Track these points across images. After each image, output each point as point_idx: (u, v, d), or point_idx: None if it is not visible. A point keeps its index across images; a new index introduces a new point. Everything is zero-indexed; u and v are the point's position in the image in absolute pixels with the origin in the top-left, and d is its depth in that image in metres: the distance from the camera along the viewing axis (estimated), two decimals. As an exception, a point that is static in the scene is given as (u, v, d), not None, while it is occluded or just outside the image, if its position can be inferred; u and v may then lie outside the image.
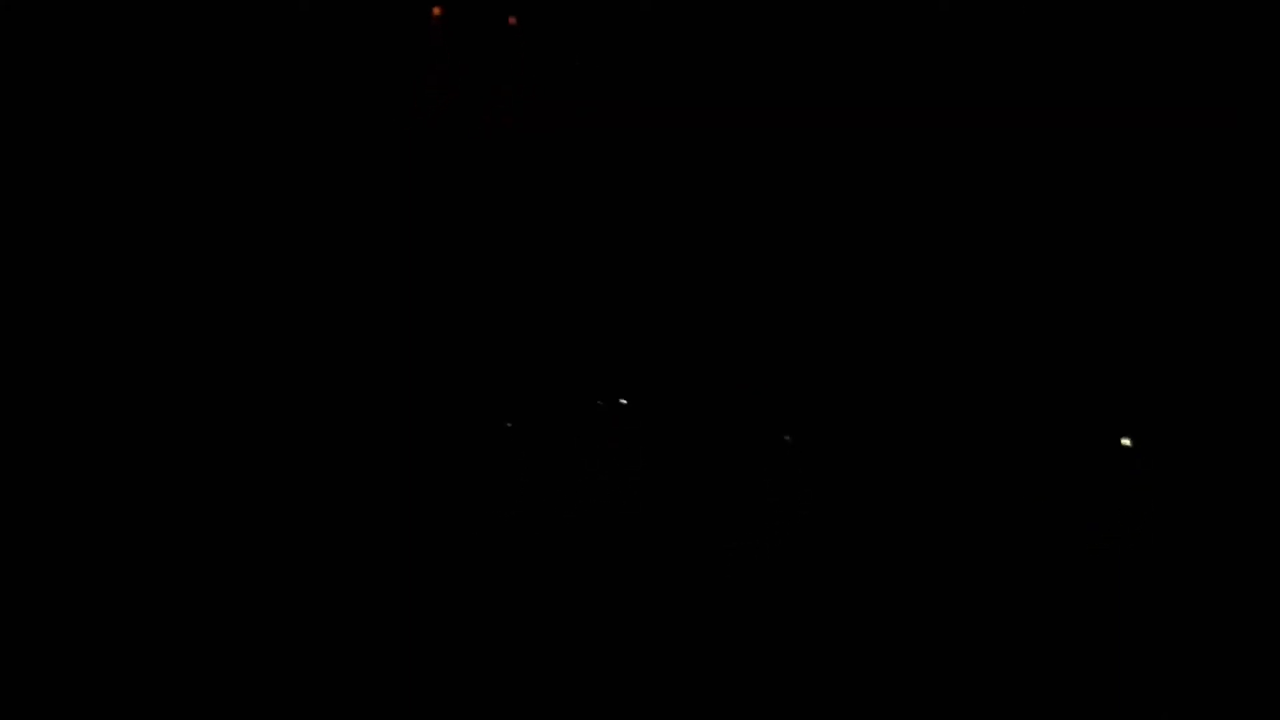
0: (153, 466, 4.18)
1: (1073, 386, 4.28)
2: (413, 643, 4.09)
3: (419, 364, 4.36)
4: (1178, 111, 4.28)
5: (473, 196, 4.45)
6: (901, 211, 4.40)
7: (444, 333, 4.39)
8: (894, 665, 4.08)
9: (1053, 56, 4.35)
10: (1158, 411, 4.23)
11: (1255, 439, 4.16)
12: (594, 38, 4.45)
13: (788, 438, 4.33)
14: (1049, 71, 4.34)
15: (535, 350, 4.40)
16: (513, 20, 4.23)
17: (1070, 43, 4.34)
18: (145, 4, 4.33)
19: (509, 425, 4.34)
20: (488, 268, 4.43)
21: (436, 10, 4.33)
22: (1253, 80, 4.26)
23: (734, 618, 4.16)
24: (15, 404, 4.18)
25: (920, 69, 4.38)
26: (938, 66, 4.38)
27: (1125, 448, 4.20)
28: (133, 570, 4.09)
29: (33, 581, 4.05)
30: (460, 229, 4.43)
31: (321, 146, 4.39)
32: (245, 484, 4.20)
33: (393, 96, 4.41)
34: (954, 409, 4.30)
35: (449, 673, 4.07)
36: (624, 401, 4.37)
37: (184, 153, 4.35)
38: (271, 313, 4.33)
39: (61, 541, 4.10)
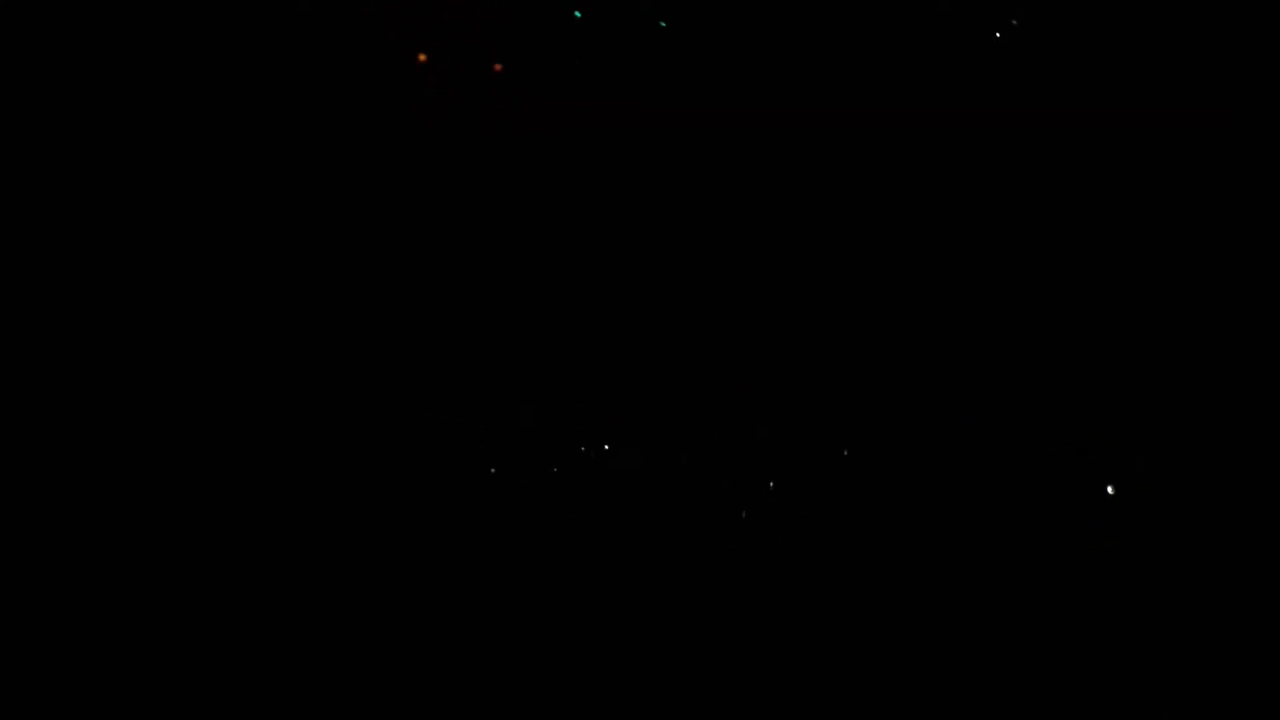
0: (150, 465, 4.18)
1: (1073, 387, 4.28)
2: (412, 642, 4.09)
3: (418, 364, 4.35)
4: (1178, 111, 4.28)
5: (472, 196, 4.45)
6: (902, 212, 4.40)
7: (443, 332, 4.39)
8: (894, 665, 4.08)
9: (1053, 56, 4.35)
10: (1157, 412, 4.23)
11: (1255, 439, 4.16)
12: (593, 38, 4.45)
13: (787, 437, 4.33)
14: (1049, 71, 4.35)
15: (535, 350, 4.40)
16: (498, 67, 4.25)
17: (1070, 43, 4.34)
18: (144, 4, 4.33)
19: (508, 424, 4.34)
20: (488, 268, 4.43)
21: (421, 56, 4.34)
22: (1253, 80, 4.27)
23: (733, 617, 4.16)
24: (15, 404, 4.18)
25: (920, 69, 4.39)
26: (938, 66, 4.38)
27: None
28: (131, 568, 4.09)
29: (31, 581, 4.05)
30: (460, 229, 4.43)
31: (320, 146, 4.39)
32: (243, 483, 4.20)
33: (393, 96, 4.41)
34: (954, 409, 4.30)
35: (448, 672, 4.07)
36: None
37: (182, 153, 4.35)
38: (270, 313, 4.33)
39: (60, 541, 4.10)
